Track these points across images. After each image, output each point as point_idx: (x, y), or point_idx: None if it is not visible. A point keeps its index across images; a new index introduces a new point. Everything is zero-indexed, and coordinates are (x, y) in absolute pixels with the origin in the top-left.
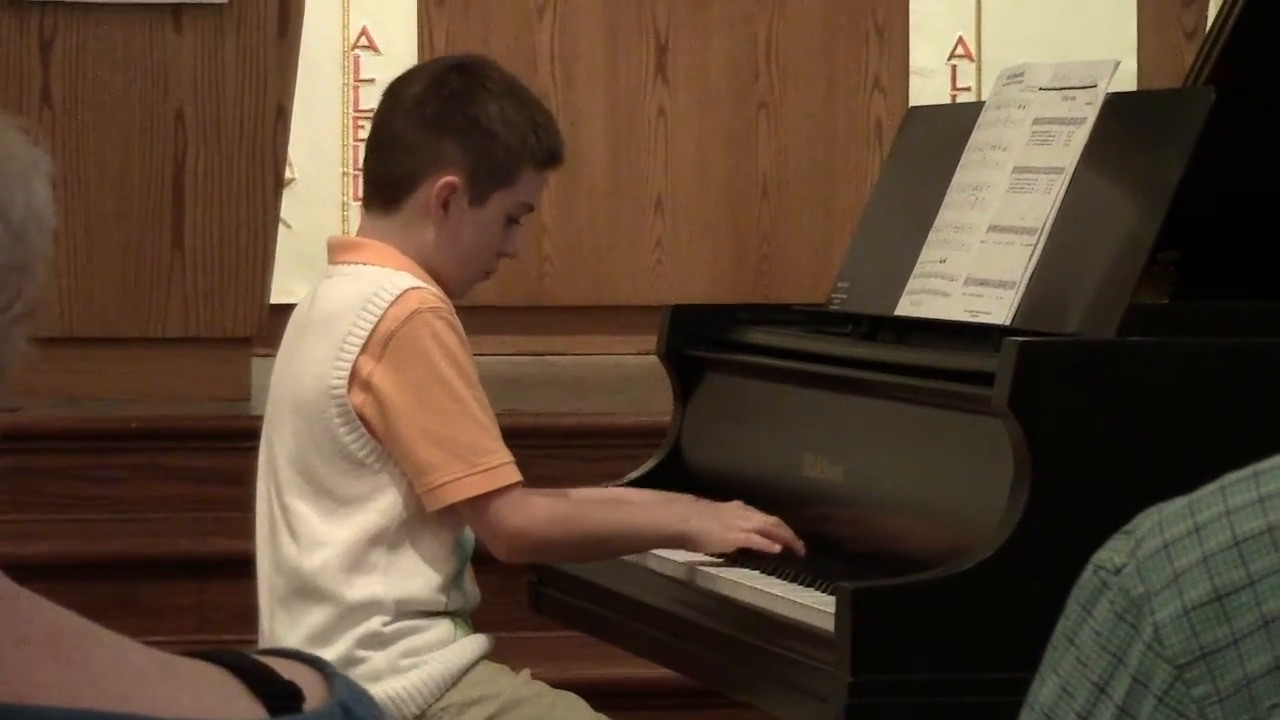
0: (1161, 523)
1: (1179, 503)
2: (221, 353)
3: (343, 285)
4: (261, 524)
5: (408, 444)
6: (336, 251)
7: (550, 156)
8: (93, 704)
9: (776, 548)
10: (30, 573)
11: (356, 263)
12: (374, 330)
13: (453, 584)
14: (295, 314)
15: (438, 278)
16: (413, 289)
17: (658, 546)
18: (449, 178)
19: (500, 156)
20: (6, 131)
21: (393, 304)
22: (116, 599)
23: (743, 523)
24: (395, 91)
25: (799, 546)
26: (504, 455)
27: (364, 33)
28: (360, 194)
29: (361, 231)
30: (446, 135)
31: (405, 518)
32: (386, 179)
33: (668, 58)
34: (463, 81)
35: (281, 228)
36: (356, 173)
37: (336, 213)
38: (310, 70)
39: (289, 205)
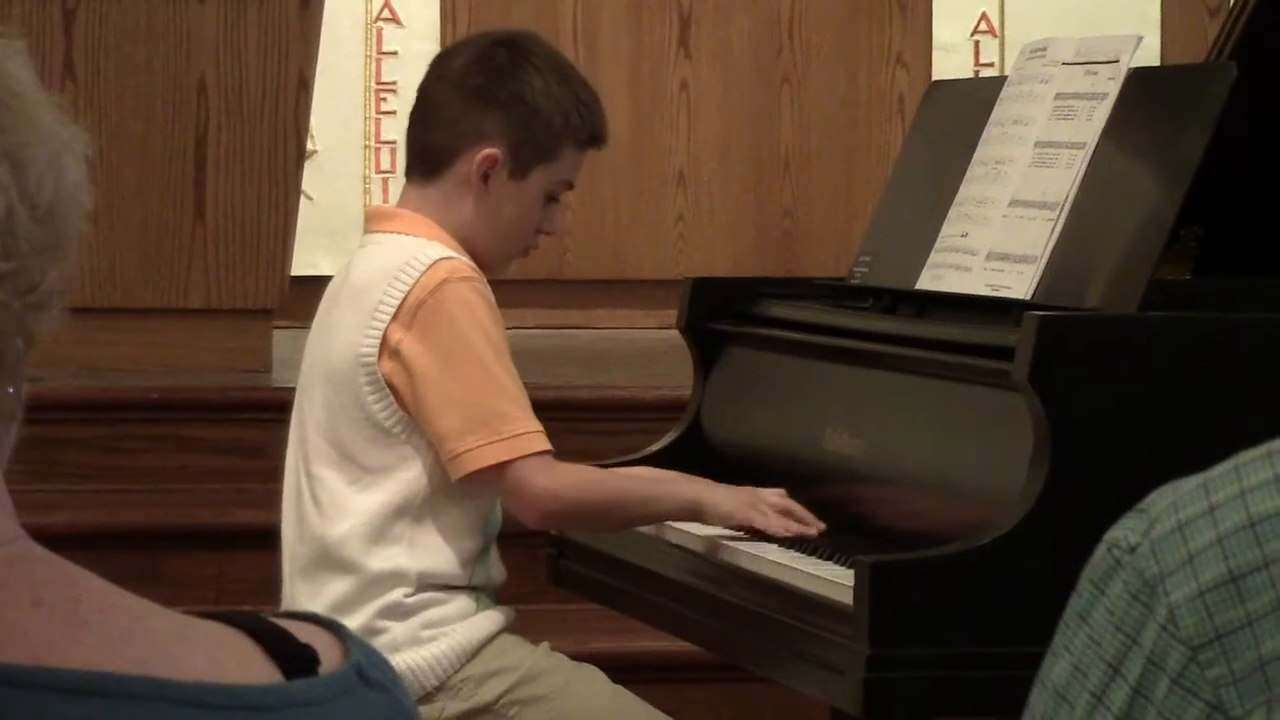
0: (1176, 502)
1: (1193, 481)
2: (242, 324)
3: (375, 254)
4: (288, 493)
5: (432, 411)
6: (373, 220)
7: (593, 136)
8: (109, 666)
9: (784, 533)
10: (49, 543)
11: (390, 232)
12: (405, 299)
13: (477, 560)
14: (331, 283)
15: (475, 251)
16: (444, 259)
17: (678, 516)
18: (490, 150)
19: (542, 132)
20: (40, 110)
21: (424, 273)
22: (136, 570)
23: (761, 503)
24: (440, 62)
25: (816, 527)
26: (531, 424)
27: (386, 4)
28: (381, 166)
29: (402, 201)
30: (490, 108)
31: (430, 491)
32: (427, 149)
33: (690, 31)
34: (509, 56)
35: (303, 199)
36: (379, 145)
37: (358, 185)
38: (332, 42)
39: (310, 177)
